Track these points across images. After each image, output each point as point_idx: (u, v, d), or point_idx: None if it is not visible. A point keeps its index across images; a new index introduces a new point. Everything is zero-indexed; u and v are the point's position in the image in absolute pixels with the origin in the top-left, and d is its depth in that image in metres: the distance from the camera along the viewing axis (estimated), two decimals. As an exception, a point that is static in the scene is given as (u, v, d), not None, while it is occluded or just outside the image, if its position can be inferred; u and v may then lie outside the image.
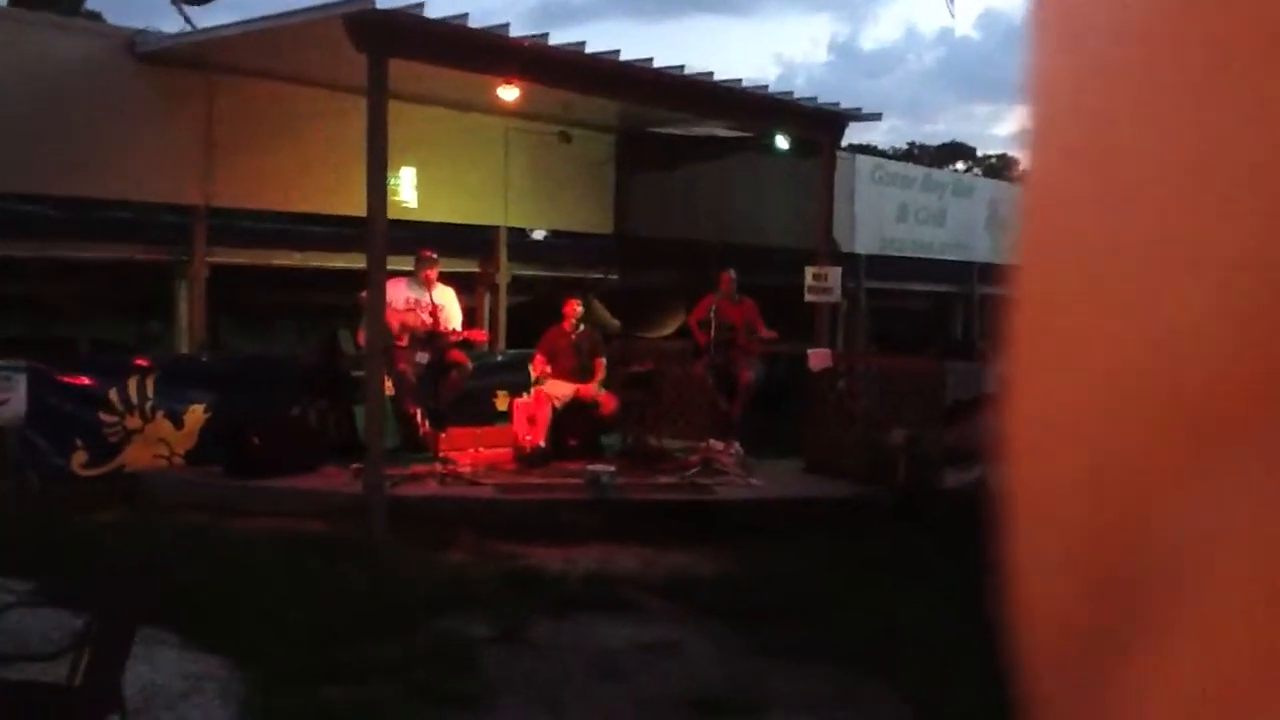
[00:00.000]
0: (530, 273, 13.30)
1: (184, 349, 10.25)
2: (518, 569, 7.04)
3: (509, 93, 9.40)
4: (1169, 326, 0.25)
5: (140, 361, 9.42)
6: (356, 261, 9.41)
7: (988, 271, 17.28)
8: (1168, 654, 0.24)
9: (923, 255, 16.34)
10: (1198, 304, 0.25)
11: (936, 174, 18.74)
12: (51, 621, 5.31)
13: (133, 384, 9.19)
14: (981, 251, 17.13)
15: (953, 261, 16.96)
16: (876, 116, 11.11)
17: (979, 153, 50.97)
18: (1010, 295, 0.30)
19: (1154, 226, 0.26)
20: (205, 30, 9.33)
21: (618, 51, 8.78)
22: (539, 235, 14.82)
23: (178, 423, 9.31)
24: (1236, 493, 0.24)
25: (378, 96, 7.74)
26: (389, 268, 9.87)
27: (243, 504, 8.17)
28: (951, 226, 16.82)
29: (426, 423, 9.58)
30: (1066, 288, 0.28)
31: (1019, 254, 0.30)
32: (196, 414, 9.40)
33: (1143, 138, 0.27)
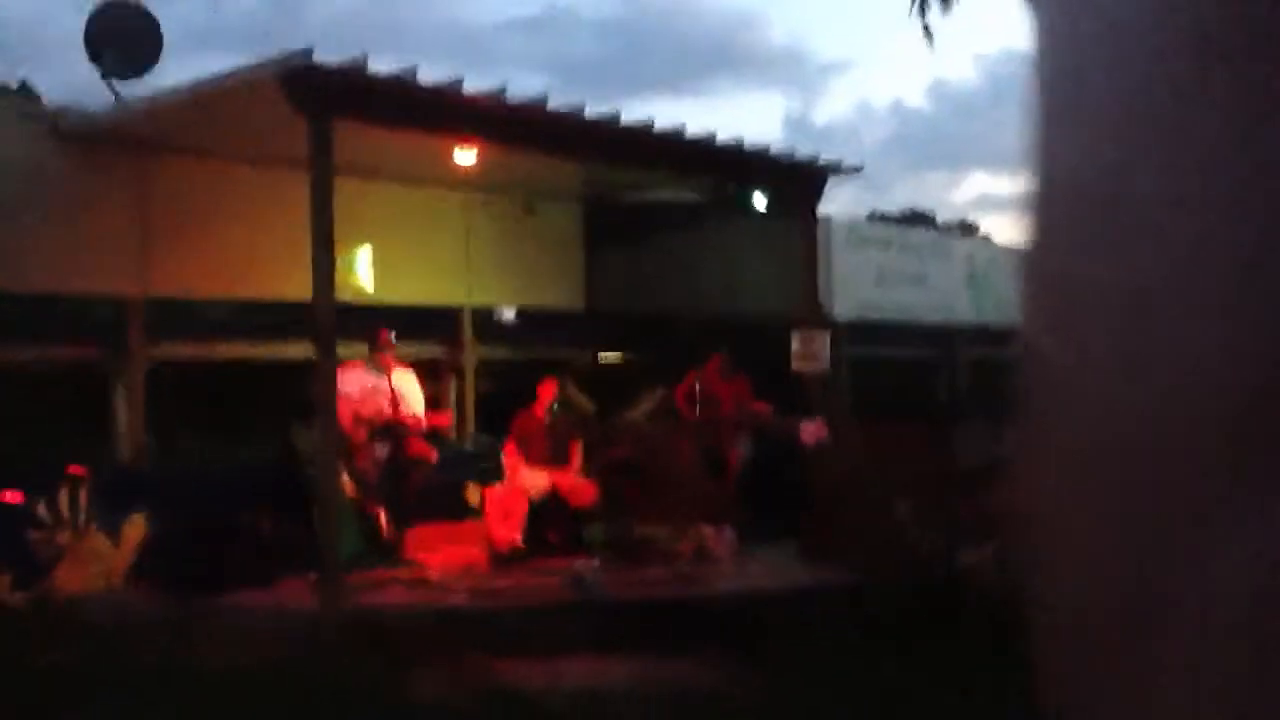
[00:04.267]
0: (499, 355, 12.49)
1: (122, 456, 9.38)
2: (495, 689, 6.19)
3: (466, 155, 8.71)
4: (1180, 383, 0.27)
5: (72, 470, 8.56)
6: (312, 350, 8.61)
7: (971, 334, 16.66)
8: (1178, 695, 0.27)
9: (904, 319, 15.69)
10: (1208, 361, 0.26)
11: (914, 234, 18.20)
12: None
13: (63, 496, 8.33)
14: (963, 313, 16.53)
15: (935, 324, 16.32)
16: (858, 169, 10.53)
17: (938, 220, 50.99)
18: (1022, 357, 0.32)
19: (1160, 284, 0.28)
20: (133, 101, 8.59)
21: (582, 106, 8.11)
22: (509, 316, 13.95)
23: (115, 537, 8.42)
24: (1250, 549, 0.26)
25: (322, 162, 7.01)
26: (344, 355, 9.14)
27: (186, 628, 7.28)
28: (932, 288, 16.22)
29: (390, 524, 8.76)
30: (1077, 349, 0.30)
31: (1028, 318, 0.32)
32: (136, 527, 8.51)
33: (1149, 199, 0.28)
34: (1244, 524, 0.25)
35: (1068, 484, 0.30)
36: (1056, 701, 0.31)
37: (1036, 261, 0.32)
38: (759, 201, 11.10)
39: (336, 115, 7.04)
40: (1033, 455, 0.32)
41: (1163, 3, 0.28)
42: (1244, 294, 0.25)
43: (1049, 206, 0.32)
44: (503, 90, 7.77)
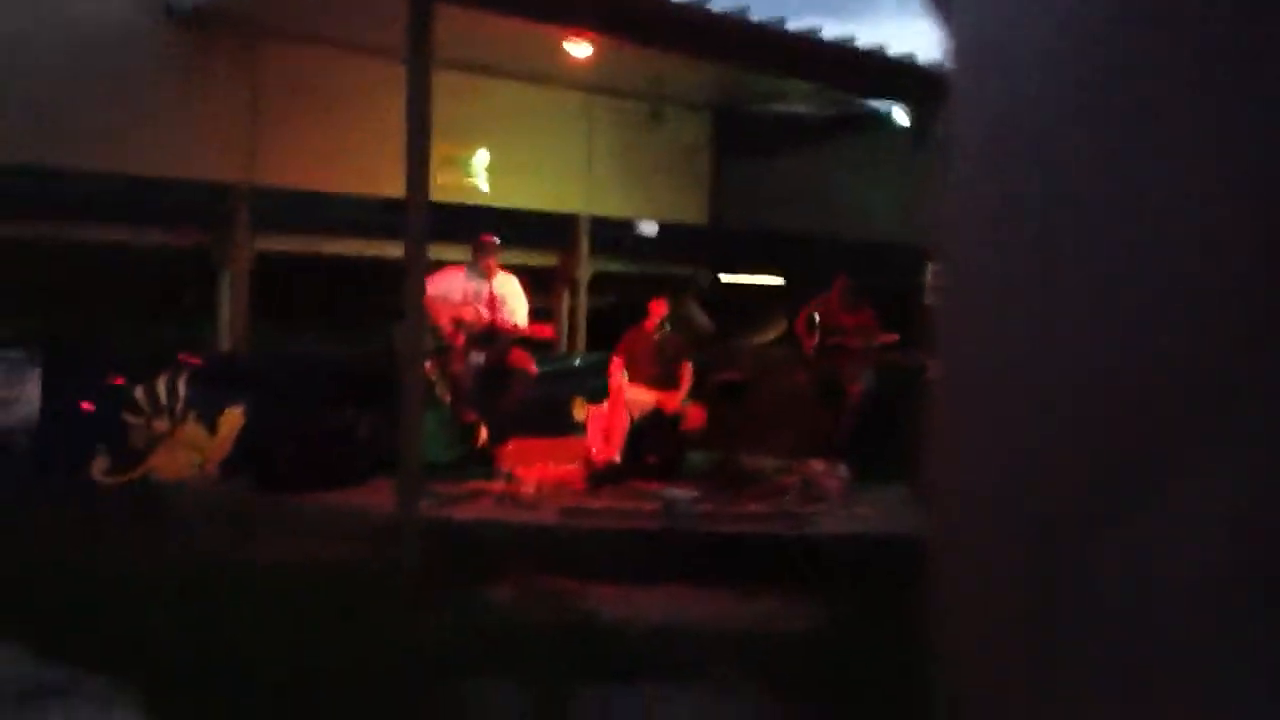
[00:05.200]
0: (616, 268, 11.99)
1: (222, 346, 9.26)
2: (570, 617, 5.84)
3: (579, 49, 8.20)
4: (1066, 384, 0.30)
5: (184, 359, 8.46)
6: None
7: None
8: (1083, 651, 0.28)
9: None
10: (1090, 365, 0.29)
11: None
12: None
13: (162, 383, 8.24)
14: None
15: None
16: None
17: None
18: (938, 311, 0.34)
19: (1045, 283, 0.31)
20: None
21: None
22: (649, 230, 13.11)
23: (211, 427, 8.31)
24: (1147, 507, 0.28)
25: (421, 47, 6.59)
26: (454, 257, 8.84)
27: (269, 523, 7.14)
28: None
29: (485, 433, 8.48)
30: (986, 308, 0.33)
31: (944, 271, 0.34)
32: (233, 418, 8.39)
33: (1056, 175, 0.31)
34: (1129, 523, 0.25)
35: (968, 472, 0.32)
36: (955, 685, 0.31)
37: (946, 251, 0.33)
38: (901, 118, 10.35)
39: (440, -3, 6.60)
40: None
41: (1056, 17, 0.29)
42: (1111, 304, 0.27)
43: (954, 202, 0.33)
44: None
